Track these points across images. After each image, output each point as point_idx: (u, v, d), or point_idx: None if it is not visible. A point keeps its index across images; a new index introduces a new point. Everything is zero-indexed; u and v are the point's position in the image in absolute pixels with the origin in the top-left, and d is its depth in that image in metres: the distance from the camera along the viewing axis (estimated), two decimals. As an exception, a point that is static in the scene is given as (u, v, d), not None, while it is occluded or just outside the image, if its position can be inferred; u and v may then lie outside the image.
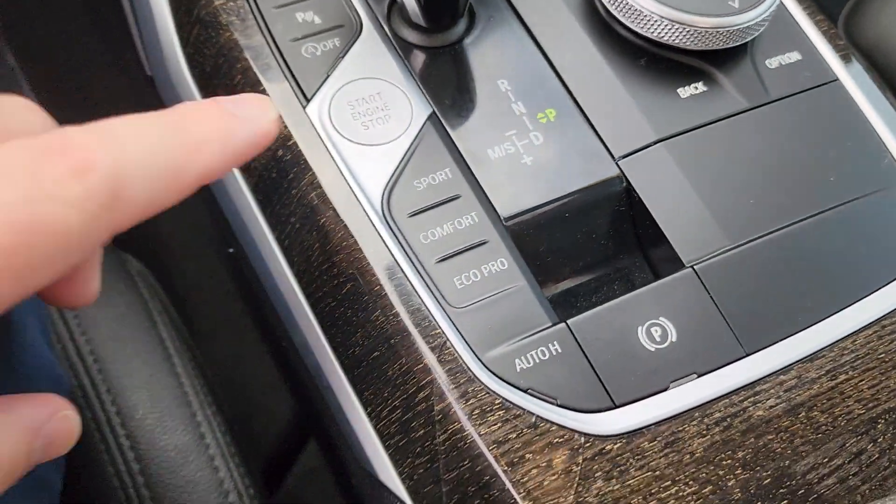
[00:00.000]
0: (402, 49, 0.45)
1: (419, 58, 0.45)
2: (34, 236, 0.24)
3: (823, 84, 0.47)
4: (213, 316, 0.65)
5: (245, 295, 0.53)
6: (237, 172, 0.45)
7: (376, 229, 0.40)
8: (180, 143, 0.29)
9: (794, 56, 0.48)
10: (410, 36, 0.46)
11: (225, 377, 0.66)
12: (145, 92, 0.54)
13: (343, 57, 0.44)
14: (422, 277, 0.38)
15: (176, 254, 0.67)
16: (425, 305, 0.38)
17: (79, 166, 0.25)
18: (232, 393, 0.66)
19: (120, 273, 0.50)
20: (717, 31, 0.44)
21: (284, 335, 0.47)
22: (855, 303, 0.41)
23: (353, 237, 0.40)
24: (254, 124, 0.32)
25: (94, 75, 0.66)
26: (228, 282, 0.59)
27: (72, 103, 0.76)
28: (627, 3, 0.44)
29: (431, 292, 0.38)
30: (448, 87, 0.44)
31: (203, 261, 0.63)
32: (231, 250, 0.49)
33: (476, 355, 0.37)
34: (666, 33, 0.44)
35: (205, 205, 0.52)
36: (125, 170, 0.26)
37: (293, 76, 0.43)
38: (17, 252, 0.24)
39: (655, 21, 0.44)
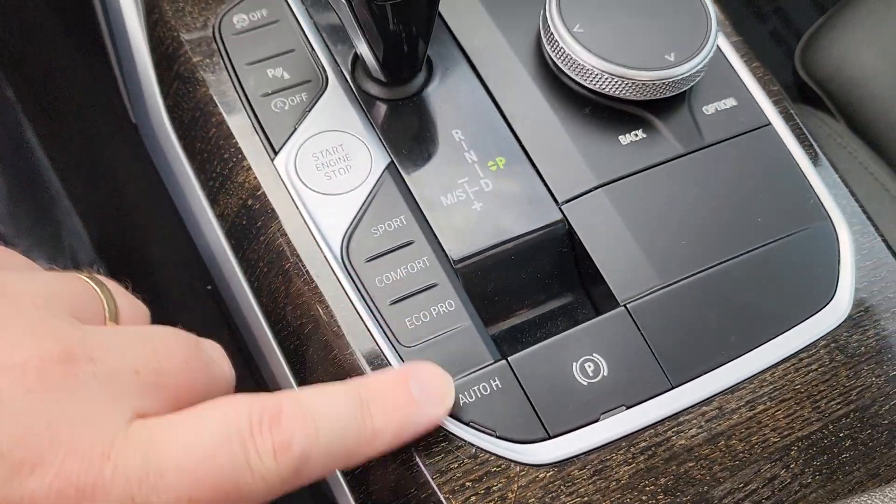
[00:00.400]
0: (365, 102, 0.49)
1: (380, 110, 0.49)
2: (228, 498, 0.29)
3: (756, 128, 0.51)
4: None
5: (227, 325, 0.57)
6: (212, 217, 0.49)
7: (335, 274, 0.43)
8: (361, 431, 0.34)
9: (731, 102, 0.51)
10: (373, 89, 0.49)
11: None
12: (133, 135, 0.58)
13: (309, 111, 0.48)
14: (376, 319, 0.42)
15: (167, 284, 0.71)
16: (378, 345, 0.41)
17: (280, 445, 0.30)
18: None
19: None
20: (655, 84, 0.47)
21: (258, 367, 0.51)
22: (775, 337, 0.44)
23: (314, 281, 0.43)
24: (429, 414, 0.37)
25: (89, 112, 0.70)
26: (215, 310, 0.63)
27: (68, 137, 0.80)
28: (573, 59, 0.48)
29: (384, 332, 0.42)
30: (406, 137, 0.48)
31: (193, 290, 0.67)
32: (209, 287, 0.53)
33: (423, 391, 0.40)
34: (608, 86, 0.48)
35: (188, 244, 0.56)
36: (311, 453, 0.31)
37: (263, 130, 0.47)
38: None
39: (598, 75, 0.48)
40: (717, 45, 0.53)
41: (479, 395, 0.41)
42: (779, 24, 1.42)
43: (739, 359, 0.43)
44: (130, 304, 0.38)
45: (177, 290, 0.68)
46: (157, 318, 0.64)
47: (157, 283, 0.70)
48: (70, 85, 0.71)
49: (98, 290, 0.35)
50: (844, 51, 0.78)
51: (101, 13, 0.57)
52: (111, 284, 0.37)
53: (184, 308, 0.67)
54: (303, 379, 0.45)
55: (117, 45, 0.56)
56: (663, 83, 0.48)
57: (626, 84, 0.48)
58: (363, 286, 0.43)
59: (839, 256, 0.47)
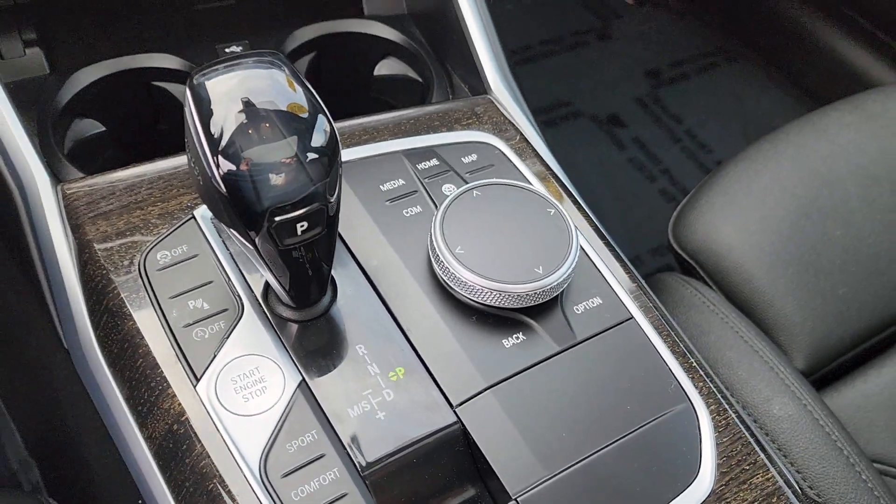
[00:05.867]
0: (277, 325, 0.55)
1: (291, 331, 0.55)
2: None
3: (621, 322, 0.59)
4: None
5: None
6: (141, 440, 0.54)
7: (255, 492, 0.48)
8: None
9: (597, 301, 0.59)
10: (284, 312, 0.56)
11: None
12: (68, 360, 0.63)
13: (228, 337, 0.54)
14: (292, 533, 0.47)
15: (108, 496, 0.73)
16: (294, 559, 0.46)
17: None
18: None
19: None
20: (528, 294, 0.55)
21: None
22: (653, 516, 0.50)
23: (235, 501, 0.48)
24: None
25: (28, 335, 0.74)
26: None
27: (6, 360, 0.83)
28: (456, 277, 0.55)
29: (301, 545, 0.46)
30: (315, 355, 0.54)
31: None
32: (140, 502, 0.56)
33: None
34: (488, 298, 0.55)
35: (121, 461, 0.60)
36: None
37: (185, 359, 0.53)
38: None
39: (479, 290, 0.55)
40: (583, 249, 0.61)
41: None
42: (667, 184, 1.57)
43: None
44: None
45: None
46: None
47: (101, 494, 0.72)
48: (7, 309, 0.75)
49: None
50: (708, 227, 0.89)
51: (36, 251, 0.63)
52: None
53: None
54: (228, 593, 0.49)
55: (50, 279, 0.62)
56: (535, 293, 0.55)
57: (504, 296, 0.55)
58: (280, 501, 0.48)
59: (700, 435, 0.54)
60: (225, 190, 0.45)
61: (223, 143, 0.44)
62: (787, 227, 0.89)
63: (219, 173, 0.45)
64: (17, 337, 0.77)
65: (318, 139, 0.47)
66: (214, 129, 0.45)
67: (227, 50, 0.83)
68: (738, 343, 0.79)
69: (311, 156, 0.46)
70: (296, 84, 0.48)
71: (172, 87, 0.81)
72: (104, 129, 0.79)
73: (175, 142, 0.85)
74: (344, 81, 0.88)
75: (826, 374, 0.86)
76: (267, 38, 0.84)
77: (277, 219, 0.46)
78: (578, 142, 1.57)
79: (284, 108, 0.46)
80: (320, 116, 0.47)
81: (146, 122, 0.84)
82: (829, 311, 0.86)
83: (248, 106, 0.45)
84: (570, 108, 1.66)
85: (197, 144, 0.45)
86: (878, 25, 1.58)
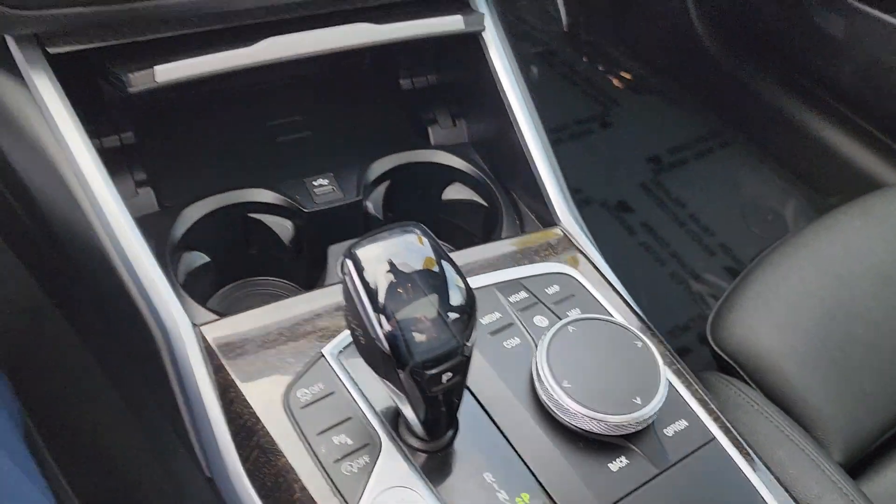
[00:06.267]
0: (413, 455, 0.63)
1: (426, 462, 0.63)
2: None
3: (706, 444, 0.67)
4: None
5: None
6: (299, 566, 0.60)
7: None
8: None
9: (683, 423, 0.68)
10: (416, 443, 0.63)
11: None
12: (203, 489, 0.69)
13: (373, 471, 0.61)
14: None
15: None
16: None
17: None
18: None
19: None
20: (630, 424, 0.64)
21: None
22: None
23: None
24: None
25: (143, 479, 0.80)
26: None
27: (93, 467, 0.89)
28: (567, 409, 0.64)
29: None
30: (450, 484, 0.62)
31: None
32: None
33: None
34: (595, 427, 0.64)
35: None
36: None
37: (340, 493, 0.60)
38: None
39: (588, 420, 0.63)
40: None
41: None
42: (676, 267, 1.68)
43: None
44: None
45: None
46: None
47: None
48: (120, 456, 0.81)
49: None
50: (746, 329, 0.99)
51: (179, 392, 0.70)
52: None
53: None
54: None
55: (194, 415, 0.69)
56: (637, 422, 0.64)
57: (606, 425, 0.63)
58: None
59: (787, 550, 0.63)
60: (388, 348, 0.53)
61: (381, 305, 0.52)
62: (814, 327, 0.99)
63: (382, 333, 0.53)
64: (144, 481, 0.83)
65: (456, 297, 0.55)
66: (373, 296, 0.53)
67: (314, 183, 0.91)
68: (785, 442, 0.88)
69: (453, 315, 0.54)
70: (425, 240, 0.56)
71: (266, 218, 0.90)
72: (209, 259, 0.87)
73: (263, 265, 0.93)
74: (416, 205, 0.97)
75: (857, 464, 0.95)
76: (350, 171, 0.93)
77: (428, 373, 0.54)
78: (593, 229, 1.68)
79: (421, 267, 0.55)
80: (449, 270, 0.54)
81: (239, 247, 0.92)
82: (859, 406, 0.95)
83: (394, 269, 0.53)
84: (581, 195, 1.77)
85: (360, 309, 0.54)
86: (863, 117, 1.72)
